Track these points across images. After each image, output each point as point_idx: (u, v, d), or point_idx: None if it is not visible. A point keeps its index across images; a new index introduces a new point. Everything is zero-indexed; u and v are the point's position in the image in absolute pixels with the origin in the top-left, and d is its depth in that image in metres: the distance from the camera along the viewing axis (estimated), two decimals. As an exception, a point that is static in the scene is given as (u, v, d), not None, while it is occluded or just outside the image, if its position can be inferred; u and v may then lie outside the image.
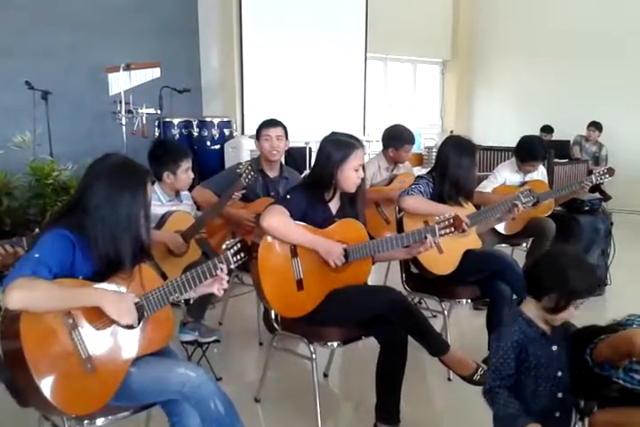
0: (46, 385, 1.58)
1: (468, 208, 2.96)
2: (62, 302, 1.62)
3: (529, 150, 3.87)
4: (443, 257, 2.74)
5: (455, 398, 2.74)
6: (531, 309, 1.71)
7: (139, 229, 1.78)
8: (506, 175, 3.91)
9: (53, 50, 5.57)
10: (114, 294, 1.70)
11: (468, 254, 2.84)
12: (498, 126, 8.92)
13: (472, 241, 2.92)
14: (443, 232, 2.36)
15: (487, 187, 3.85)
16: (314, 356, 2.38)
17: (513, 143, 4.09)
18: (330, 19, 7.26)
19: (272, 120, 3.42)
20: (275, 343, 2.61)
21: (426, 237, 2.34)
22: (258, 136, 3.39)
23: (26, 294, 1.56)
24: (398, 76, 9.12)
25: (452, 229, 2.36)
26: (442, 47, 9.32)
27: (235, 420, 1.78)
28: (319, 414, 2.38)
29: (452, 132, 8.89)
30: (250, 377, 2.97)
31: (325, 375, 2.96)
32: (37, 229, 2.21)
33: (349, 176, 2.36)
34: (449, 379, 2.83)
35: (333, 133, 2.45)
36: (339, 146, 2.37)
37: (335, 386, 2.98)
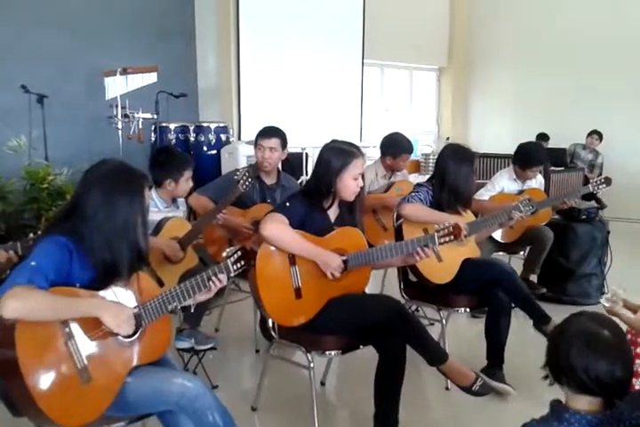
0: (41, 396, 1.55)
1: (467, 216, 2.95)
2: (59, 313, 1.59)
3: (531, 155, 3.87)
4: (441, 266, 2.72)
5: (453, 407, 2.72)
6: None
7: (136, 236, 1.76)
8: (503, 184, 3.91)
9: (50, 53, 5.55)
10: (112, 304, 1.68)
11: (467, 263, 2.83)
12: (494, 134, 8.94)
13: (471, 250, 2.91)
14: (442, 240, 2.35)
15: (484, 195, 3.85)
16: (312, 365, 2.35)
17: (509, 151, 4.09)
18: (327, 25, 7.27)
19: (268, 130, 3.35)
20: (272, 351, 2.59)
21: (426, 246, 2.33)
22: (255, 143, 3.37)
23: (22, 304, 1.53)
24: (395, 82, 9.14)
25: (452, 237, 2.35)
26: (438, 54, 9.36)
27: (233, 432, 1.76)
28: (317, 424, 2.35)
29: (448, 139, 8.91)
30: (246, 385, 2.94)
31: (323, 384, 2.94)
32: (32, 235, 2.19)
33: (348, 185, 2.35)
34: (447, 388, 2.81)
35: (334, 141, 2.44)
36: (339, 154, 2.36)
37: (332, 395, 2.96)
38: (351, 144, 2.43)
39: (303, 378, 2.85)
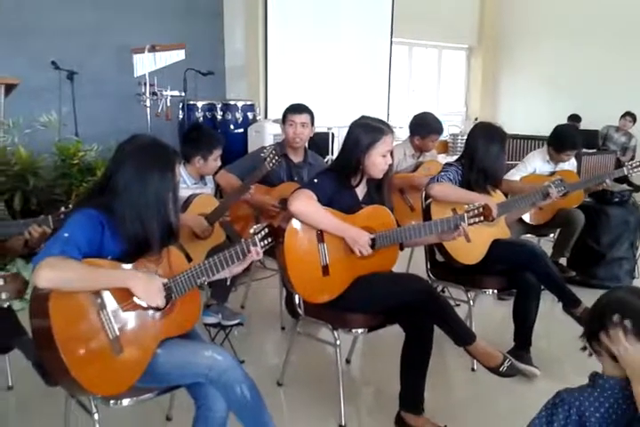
0: (74, 365, 1.58)
1: (497, 196, 2.90)
2: (91, 283, 1.61)
3: (567, 139, 3.78)
4: (470, 246, 2.68)
5: (479, 388, 2.72)
6: None
7: (167, 211, 1.77)
8: (536, 165, 3.83)
9: (79, 30, 5.58)
10: (143, 275, 1.69)
11: (497, 244, 2.79)
12: (524, 114, 8.77)
13: (500, 230, 2.87)
14: (472, 221, 2.31)
15: (515, 175, 3.79)
16: (338, 342, 2.36)
17: (539, 132, 4.02)
18: (356, 3, 7.15)
19: (299, 106, 3.36)
20: (298, 328, 2.60)
21: (457, 226, 2.30)
22: (283, 120, 3.36)
23: (55, 274, 1.55)
24: (423, 61, 9.00)
25: (482, 218, 2.31)
26: (468, 33, 9.17)
27: (260, 406, 1.77)
28: (342, 401, 2.37)
29: (476, 119, 8.77)
30: (271, 361, 2.97)
31: (348, 362, 2.95)
32: (63, 208, 2.22)
33: (377, 162, 2.32)
34: (473, 369, 2.80)
35: (363, 117, 2.40)
36: (368, 130, 2.32)
37: (358, 373, 2.97)
38: (381, 121, 2.39)
39: (328, 355, 2.88)
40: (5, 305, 1.54)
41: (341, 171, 2.36)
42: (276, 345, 3.22)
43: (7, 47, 5.25)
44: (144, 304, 1.68)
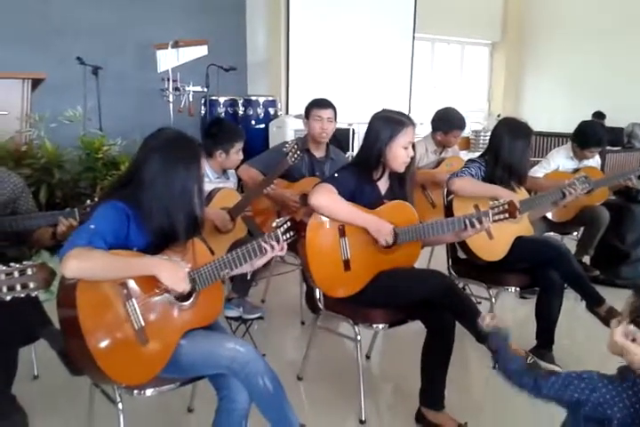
0: (100, 354, 1.60)
1: (521, 193, 2.87)
2: (118, 271, 1.64)
3: (592, 136, 3.73)
4: (493, 243, 2.68)
5: (500, 386, 2.69)
6: None
7: (193, 203, 1.78)
8: (559, 161, 3.78)
9: (104, 27, 5.64)
10: (169, 263, 1.70)
11: (520, 241, 2.76)
12: (547, 111, 8.65)
13: (524, 227, 2.84)
14: (496, 218, 2.28)
15: (538, 172, 3.75)
16: (358, 337, 2.36)
17: (563, 129, 3.97)
18: (378, -2, 7.13)
19: (324, 101, 3.36)
20: (318, 323, 2.61)
21: (480, 222, 2.28)
22: (307, 115, 3.35)
23: (82, 263, 1.57)
24: (446, 57, 8.93)
25: (507, 215, 2.28)
26: (491, 28, 9.07)
27: (282, 398, 1.78)
28: (362, 396, 2.37)
29: (498, 116, 8.69)
30: (291, 355, 2.98)
31: (368, 357, 2.95)
32: (88, 201, 2.25)
33: (398, 154, 2.30)
34: (493, 367, 2.78)
35: (384, 110, 2.39)
36: (388, 123, 2.31)
37: (377, 368, 2.97)
38: (401, 113, 2.38)
39: (348, 351, 2.89)
40: (33, 295, 1.56)
41: (363, 165, 2.36)
42: (296, 340, 3.23)
43: (34, 44, 5.33)
44: (170, 289, 1.70)
